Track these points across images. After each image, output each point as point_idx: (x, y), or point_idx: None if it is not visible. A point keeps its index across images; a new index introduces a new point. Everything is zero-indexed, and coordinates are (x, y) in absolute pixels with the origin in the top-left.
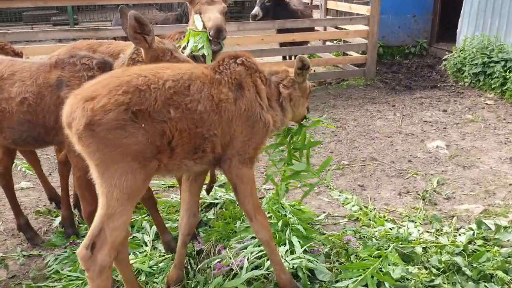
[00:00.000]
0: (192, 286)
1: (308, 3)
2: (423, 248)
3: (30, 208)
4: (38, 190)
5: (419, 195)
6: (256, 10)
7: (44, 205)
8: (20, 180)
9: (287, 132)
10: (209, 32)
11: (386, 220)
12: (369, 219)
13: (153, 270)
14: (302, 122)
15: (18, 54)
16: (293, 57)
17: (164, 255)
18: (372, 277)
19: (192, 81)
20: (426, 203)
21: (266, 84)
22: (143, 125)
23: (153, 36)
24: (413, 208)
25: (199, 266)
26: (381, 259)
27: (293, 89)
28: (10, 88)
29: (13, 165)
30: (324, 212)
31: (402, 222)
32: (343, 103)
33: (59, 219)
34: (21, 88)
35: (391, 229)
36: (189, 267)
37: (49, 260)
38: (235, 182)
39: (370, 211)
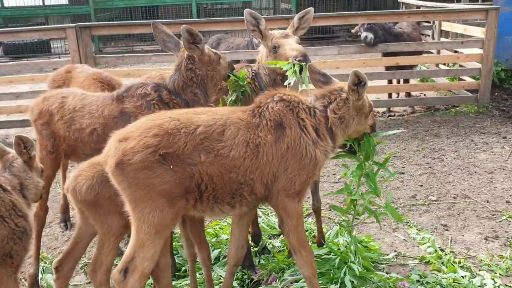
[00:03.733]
0: None
1: (418, 26)
2: None
3: None
4: None
5: (509, 241)
6: (365, 34)
7: None
8: None
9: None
10: (295, 59)
11: (461, 267)
12: (442, 263)
13: None
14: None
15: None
16: (401, 81)
17: (220, 278)
18: None
19: (227, 127)
20: None
21: (311, 114)
22: (171, 167)
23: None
24: (498, 256)
25: None
26: None
27: (344, 111)
28: (82, 120)
29: None
30: (395, 251)
31: (480, 271)
32: (447, 131)
33: None
34: (90, 120)
35: (463, 277)
36: None
37: None
38: (281, 215)
39: (446, 255)
